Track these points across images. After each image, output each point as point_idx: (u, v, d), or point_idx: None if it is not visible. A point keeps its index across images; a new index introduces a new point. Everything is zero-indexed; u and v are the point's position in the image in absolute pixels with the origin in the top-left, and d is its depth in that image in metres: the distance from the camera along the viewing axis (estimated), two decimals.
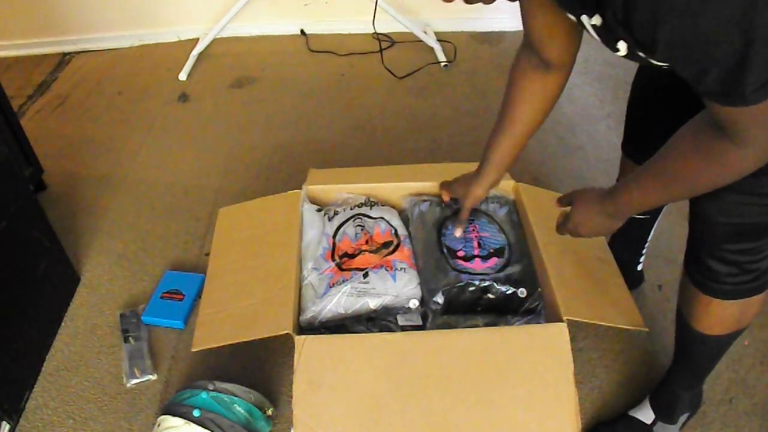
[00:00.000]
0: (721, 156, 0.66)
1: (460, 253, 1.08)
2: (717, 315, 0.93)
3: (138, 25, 2.50)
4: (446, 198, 1.15)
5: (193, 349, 0.97)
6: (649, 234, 1.32)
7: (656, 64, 0.69)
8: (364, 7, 2.36)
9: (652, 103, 1.06)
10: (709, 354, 1.04)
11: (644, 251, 1.36)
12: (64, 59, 2.46)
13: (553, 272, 1.00)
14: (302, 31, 2.54)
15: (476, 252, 1.08)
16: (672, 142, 0.73)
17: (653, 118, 1.05)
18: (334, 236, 1.12)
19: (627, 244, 1.34)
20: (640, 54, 0.66)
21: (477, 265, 1.06)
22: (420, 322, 1.01)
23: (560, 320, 0.92)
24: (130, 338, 1.33)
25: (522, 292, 1.02)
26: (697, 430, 1.17)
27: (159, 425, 1.04)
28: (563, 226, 0.96)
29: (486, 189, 1.08)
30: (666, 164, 0.75)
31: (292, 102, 2.13)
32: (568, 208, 0.94)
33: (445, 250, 1.08)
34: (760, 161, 0.66)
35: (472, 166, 1.09)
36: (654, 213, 1.24)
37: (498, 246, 1.10)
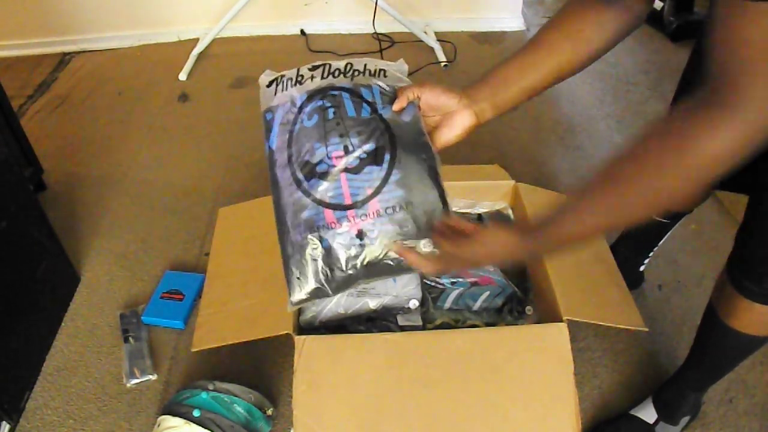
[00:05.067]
0: (704, 128, 0.50)
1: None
2: (761, 315, 0.89)
3: (138, 25, 2.50)
4: (403, 102, 0.80)
5: (193, 349, 0.97)
6: (663, 237, 1.30)
7: None
8: (364, 7, 2.36)
9: None
10: (740, 354, 1.01)
11: (651, 254, 1.35)
12: (64, 59, 2.46)
13: (553, 272, 1.00)
14: (302, 31, 2.54)
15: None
16: (629, 144, 0.58)
17: None
18: None
19: (636, 245, 1.33)
20: None
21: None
22: (420, 323, 1.01)
23: (560, 320, 0.92)
24: (130, 338, 1.33)
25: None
26: (697, 430, 1.17)
27: (159, 425, 1.04)
28: (443, 254, 0.76)
29: (462, 96, 0.79)
30: (619, 167, 0.58)
31: None
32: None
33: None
34: (749, 137, 0.49)
35: (472, 167, 1.09)
36: (674, 218, 1.23)
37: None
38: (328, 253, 0.79)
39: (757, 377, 1.25)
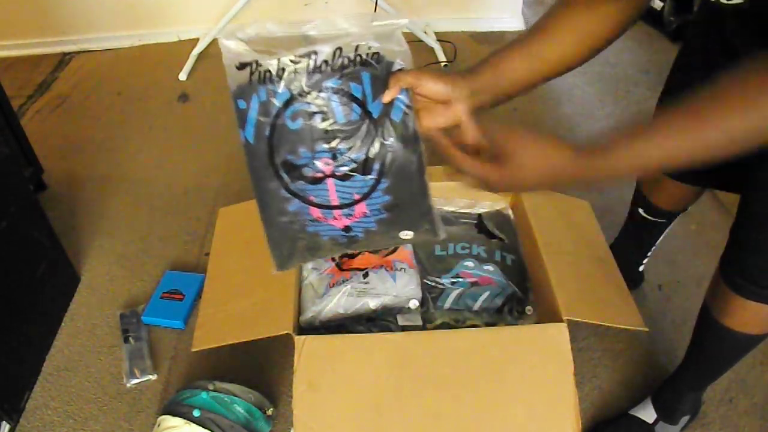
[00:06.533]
0: None
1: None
2: (754, 314, 0.90)
3: (138, 25, 2.50)
4: (394, 92, 0.72)
5: (193, 349, 0.97)
6: (659, 237, 1.30)
7: None
8: (363, 7, 2.36)
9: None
10: (735, 353, 1.02)
11: (650, 254, 1.35)
12: (64, 59, 2.46)
13: (553, 272, 1.00)
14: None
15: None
16: (708, 82, 0.58)
17: None
18: None
19: (635, 245, 1.34)
20: None
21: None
22: (420, 323, 1.01)
23: (560, 320, 0.92)
24: (130, 338, 1.33)
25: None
26: (697, 431, 1.17)
27: (159, 425, 1.04)
28: (477, 168, 0.67)
29: (455, 84, 0.73)
30: (698, 101, 0.58)
31: None
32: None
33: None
34: None
35: None
36: (669, 217, 1.24)
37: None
38: (313, 237, 0.82)
39: (757, 377, 1.25)
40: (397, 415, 0.87)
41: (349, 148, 0.75)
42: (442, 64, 2.30)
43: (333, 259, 1.07)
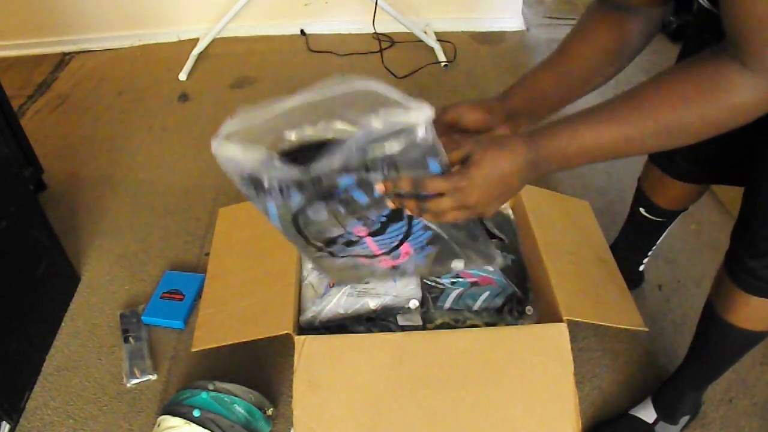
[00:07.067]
0: (726, 80, 0.54)
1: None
2: (758, 310, 0.90)
3: (138, 25, 2.50)
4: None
5: (193, 349, 0.97)
6: (660, 237, 1.30)
7: None
8: (364, 7, 2.36)
9: None
10: (738, 349, 1.02)
11: (650, 253, 1.35)
12: (64, 59, 2.46)
13: (553, 272, 1.00)
14: (302, 31, 2.54)
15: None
16: (657, 74, 0.60)
17: None
18: None
19: (635, 245, 1.34)
20: None
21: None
22: (420, 323, 1.01)
23: (560, 320, 0.92)
24: (130, 338, 1.33)
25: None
26: (697, 431, 1.17)
27: (159, 425, 1.04)
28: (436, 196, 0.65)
29: (492, 110, 0.75)
30: (645, 93, 0.59)
31: None
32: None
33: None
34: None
35: None
36: (670, 216, 1.24)
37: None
38: (366, 268, 0.85)
39: (757, 377, 1.25)
40: (397, 415, 0.87)
41: (377, 209, 0.71)
42: (442, 64, 2.30)
43: None
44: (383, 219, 0.73)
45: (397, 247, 0.78)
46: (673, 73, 0.59)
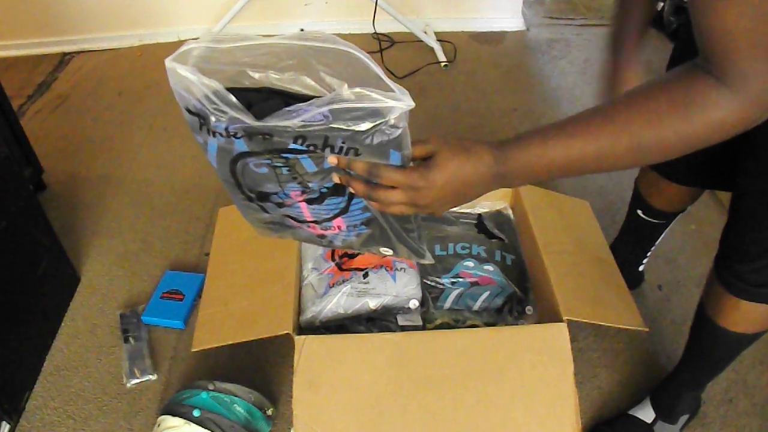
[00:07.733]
0: (700, 96, 0.52)
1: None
2: (746, 313, 0.91)
3: (138, 25, 2.50)
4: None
5: (193, 349, 0.97)
6: (659, 237, 1.30)
7: None
8: (364, 7, 2.36)
9: None
10: (729, 352, 1.02)
11: (650, 254, 1.35)
12: (64, 59, 2.46)
13: (552, 272, 1.00)
14: (302, 31, 2.54)
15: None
16: (632, 89, 0.58)
17: None
18: None
19: (635, 245, 1.34)
20: None
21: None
22: (420, 322, 1.01)
23: (560, 320, 0.92)
24: (130, 338, 1.33)
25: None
26: (697, 430, 1.17)
27: (159, 425, 1.04)
28: (401, 189, 0.63)
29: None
30: (618, 107, 0.58)
31: None
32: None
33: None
34: (749, 115, 0.52)
35: None
36: (668, 218, 1.24)
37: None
38: (294, 231, 0.84)
39: (757, 377, 1.25)
40: (397, 415, 0.87)
41: (321, 181, 0.69)
42: (442, 64, 2.30)
43: (333, 259, 1.08)
44: (324, 190, 0.70)
45: (330, 219, 0.76)
46: (647, 87, 0.57)
